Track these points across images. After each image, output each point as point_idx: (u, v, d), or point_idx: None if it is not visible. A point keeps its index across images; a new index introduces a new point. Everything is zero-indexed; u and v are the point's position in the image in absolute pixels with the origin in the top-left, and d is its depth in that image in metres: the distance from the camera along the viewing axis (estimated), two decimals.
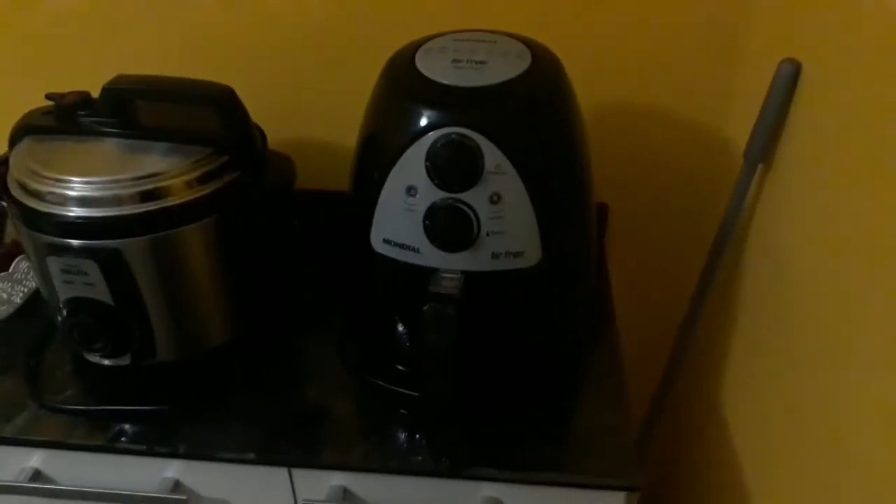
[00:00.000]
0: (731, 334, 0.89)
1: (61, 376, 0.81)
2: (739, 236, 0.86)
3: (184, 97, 0.73)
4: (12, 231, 0.95)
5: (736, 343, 0.88)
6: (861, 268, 0.61)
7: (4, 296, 0.88)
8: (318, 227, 0.98)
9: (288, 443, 0.73)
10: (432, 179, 0.65)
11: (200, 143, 0.73)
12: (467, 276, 0.66)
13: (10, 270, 0.88)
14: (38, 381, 0.80)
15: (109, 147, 0.74)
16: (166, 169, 0.71)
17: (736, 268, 0.87)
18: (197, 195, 0.72)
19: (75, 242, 0.70)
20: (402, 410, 0.76)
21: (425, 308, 0.64)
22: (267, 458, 0.72)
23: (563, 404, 0.77)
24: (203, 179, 0.73)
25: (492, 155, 0.63)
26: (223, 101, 0.73)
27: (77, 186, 0.70)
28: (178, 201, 0.71)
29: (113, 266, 0.70)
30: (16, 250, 0.93)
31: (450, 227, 0.65)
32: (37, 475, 0.79)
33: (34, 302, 0.92)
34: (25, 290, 0.91)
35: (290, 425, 0.75)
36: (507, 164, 0.64)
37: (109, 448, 0.74)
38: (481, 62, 0.69)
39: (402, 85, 0.69)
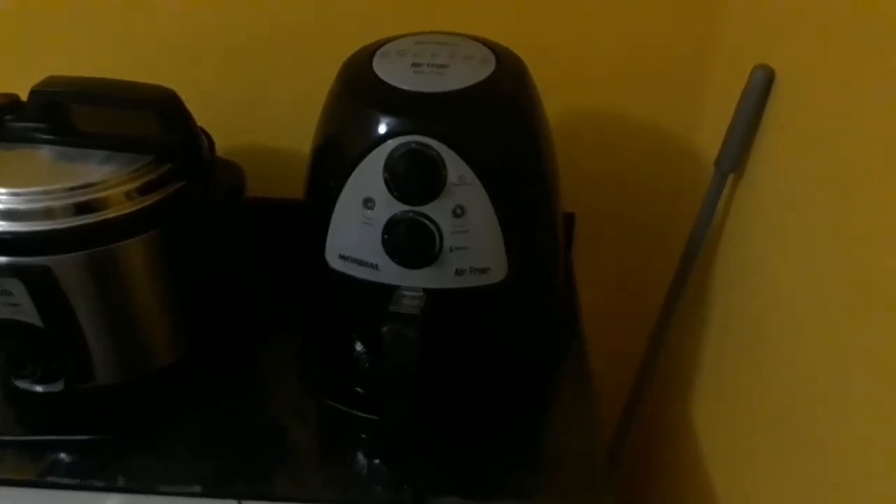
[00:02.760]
0: (702, 346, 0.87)
1: None
2: (710, 247, 0.83)
3: (121, 101, 0.68)
4: None
5: (706, 354, 0.86)
6: (836, 278, 0.59)
7: None
8: (274, 238, 0.93)
9: (239, 473, 0.68)
10: (391, 191, 0.60)
11: (140, 151, 0.68)
12: (429, 293, 0.62)
13: None
14: None
15: (40, 155, 0.68)
16: (103, 178, 0.66)
17: (706, 278, 0.85)
18: (137, 207, 0.66)
19: (2, 260, 0.64)
20: (362, 435, 0.71)
21: (385, 329, 0.60)
22: (215, 490, 0.67)
23: (531, 425, 0.73)
24: (144, 190, 0.67)
25: (454, 165, 0.60)
26: (164, 105, 0.68)
27: (2, 198, 0.64)
28: (115, 214, 0.66)
29: (41, 285, 0.64)
30: None
31: (410, 242, 0.61)
32: None
33: None
34: None
35: (243, 453, 0.70)
36: (470, 175, 0.60)
37: (39, 482, 0.68)
38: (443, 66, 0.65)
39: (359, 89, 0.65)
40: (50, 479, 0.68)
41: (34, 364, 0.67)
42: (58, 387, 0.70)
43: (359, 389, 0.74)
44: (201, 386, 0.77)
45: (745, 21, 0.79)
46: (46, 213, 0.64)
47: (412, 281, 0.63)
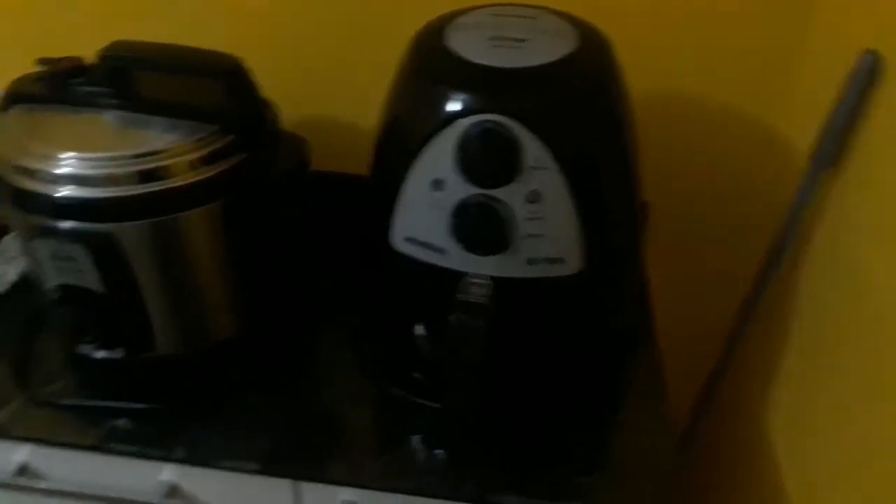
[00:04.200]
0: (783, 351, 0.81)
1: (52, 366, 0.75)
2: (800, 247, 0.77)
3: (186, 68, 0.66)
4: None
5: (788, 361, 0.80)
6: None
7: None
8: (335, 214, 0.91)
9: (295, 454, 0.67)
10: (463, 173, 0.57)
11: (204, 120, 0.66)
12: (498, 282, 0.59)
13: (1, 247, 0.82)
14: (27, 370, 0.74)
15: (105, 120, 0.67)
16: (167, 147, 0.64)
17: (794, 281, 0.79)
18: (201, 177, 0.65)
19: (64, 225, 0.63)
20: (420, 423, 0.69)
21: (451, 317, 0.57)
22: (272, 469, 0.66)
23: (596, 423, 0.70)
24: (207, 160, 0.65)
25: (532, 147, 0.56)
26: (229, 74, 0.65)
27: (68, 163, 0.63)
28: (179, 183, 0.64)
29: (104, 252, 0.64)
30: (6, 227, 0.87)
31: (481, 227, 0.58)
32: (23, 470, 0.73)
33: (29, 281, 0.86)
34: (17, 268, 0.85)
35: (299, 434, 0.69)
36: (549, 159, 0.56)
37: (99, 448, 0.68)
38: (521, 40, 0.61)
39: (431, 64, 0.61)
40: (109, 445, 0.68)
41: (95, 330, 0.67)
42: (118, 354, 0.70)
43: (417, 375, 0.72)
44: (258, 362, 0.76)
45: (848, 1, 0.72)
46: (111, 180, 0.63)
47: (481, 268, 0.60)
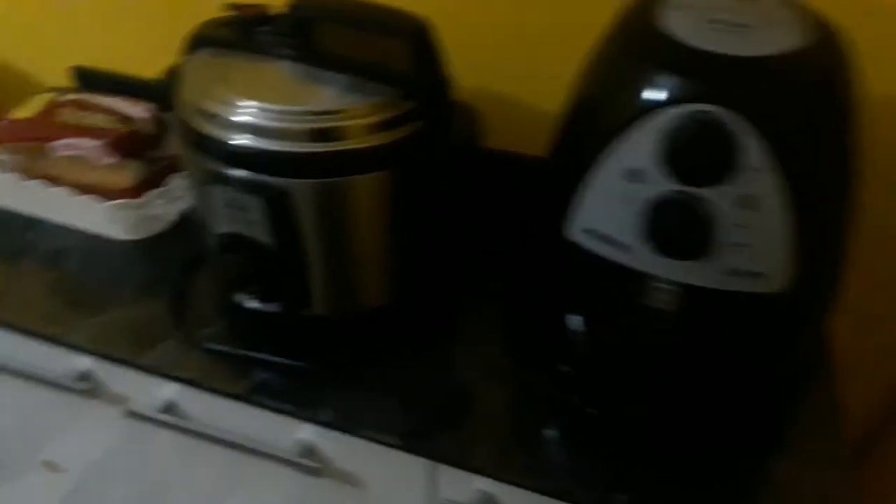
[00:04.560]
0: None
1: (206, 310, 0.77)
2: None
3: (375, 25, 0.63)
4: (173, 145, 0.91)
5: None
6: None
7: (159, 211, 0.84)
8: (499, 192, 0.87)
9: (436, 433, 0.65)
10: (666, 165, 0.52)
11: (388, 83, 0.64)
12: (688, 290, 0.54)
13: (169, 186, 0.84)
14: (183, 311, 0.76)
15: (285, 72, 0.66)
16: (347, 107, 0.62)
17: None
18: (377, 143, 0.63)
19: (243, 174, 0.63)
20: (568, 421, 0.66)
21: (632, 323, 0.53)
22: (413, 446, 0.65)
23: (765, 451, 0.64)
24: (386, 125, 0.63)
25: (752, 146, 0.50)
26: (418, 35, 0.62)
27: (249, 112, 0.62)
28: (355, 146, 0.63)
29: (278, 206, 0.63)
30: (176, 165, 0.89)
31: (679, 228, 0.53)
32: (169, 407, 0.76)
33: (187, 221, 0.88)
34: (180, 207, 0.87)
35: (441, 413, 0.67)
36: (769, 161, 0.50)
37: (245, 398, 0.69)
38: (742, 25, 0.55)
39: (639, 42, 0.56)
40: (255, 397, 0.69)
41: (258, 282, 0.67)
42: (274, 308, 0.70)
43: (565, 368, 0.68)
44: (407, 333, 0.75)
45: None
46: (287, 134, 0.62)
47: (669, 272, 0.55)
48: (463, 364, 0.72)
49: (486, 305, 0.78)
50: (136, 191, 0.84)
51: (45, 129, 0.84)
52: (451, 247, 0.82)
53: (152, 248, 0.84)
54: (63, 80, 1.04)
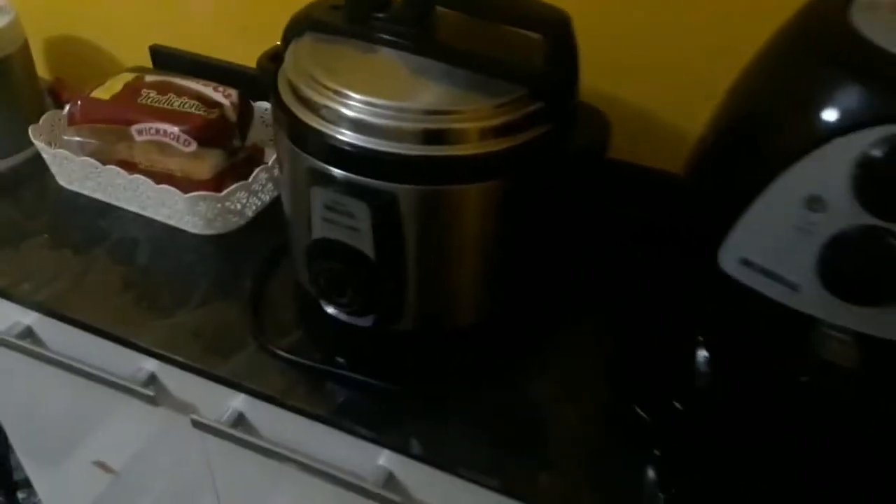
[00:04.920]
0: None
1: (287, 316, 0.70)
2: None
3: (513, 15, 0.57)
4: (255, 133, 0.86)
5: None
6: None
7: (238, 206, 0.78)
8: (617, 207, 0.80)
9: (537, 475, 0.58)
10: (860, 196, 0.44)
11: (517, 80, 0.57)
12: (867, 342, 0.46)
13: (250, 180, 0.78)
14: (260, 316, 0.70)
15: (399, 63, 0.59)
16: (470, 106, 0.56)
17: None
18: (497, 148, 0.56)
19: (349, 176, 0.56)
20: (700, 476, 0.58)
21: (802, 378, 0.45)
22: (514, 489, 0.58)
23: None
24: (507, 129, 0.56)
25: None
26: (559, 30, 0.56)
27: (354, 105, 0.56)
28: (474, 151, 0.56)
29: (386, 214, 0.57)
30: (258, 156, 0.84)
31: (868, 269, 0.45)
32: (239, 420, 0.70)
33: (265, 217, 0.82)
34: (259, 202, 0.81)
35: (541, 451, 0.60)
36: None
37: (330, 421, 0.62)
38: None
39: (831, 47, 0.48)
40: (340, 419, 0.62)
41: (354, 295, 0.61)
42: (365, 322, 0.64)
43: (679, 405, 0.61)
44: (499, 354, 0.68)
45: None
46: (397, 134, 0.55)
47: (843, 319, 0.47)
48: (561, 394, 0.65)
49: (589, 328, 0.71)
50: (215, 182, 0.78)
51: (124, 111, 0.78)
52: (558, 261, 0.75)
53: (229, 245, 0.78)
54: (142, 59, 1.00)
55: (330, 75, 0.58)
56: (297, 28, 0.63)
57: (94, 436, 0.89)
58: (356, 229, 0.58)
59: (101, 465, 0.91)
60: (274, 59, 0.65)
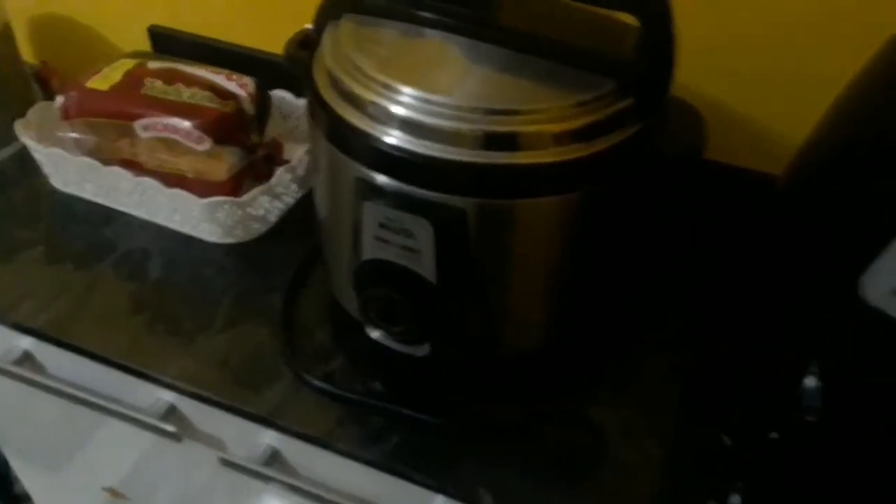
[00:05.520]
0: None
1: (324, 339, 0.62)
2: None
3: None
4: (272, 126, 0.76)
5: None
6: None
7: (261, 212, 0.69)
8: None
9: None
10: None
11: (604, 71, 0.48)
12: None
13: (274, 181, 0.69)
14: (294, 340, 0.61)
15: (461, 51, 0.50)
16: (549, 104, 0.47)
17: None
18: (585, 153, 0.47)
19: (410, 189, 0.47)
20: None
21: None
22: None
23: None
24: (591, 131, 0.47)
25: None
26: (660, 14, 0.46)
27: (404, 100, 0.47)
28: (552, 159, 0.47)
29: (453, 233, 0.48)
30: (277, 153, 0.74)
31: None
32: (274, 457, 0.62)
33: (289, 222, 0.73)
34: (282, 206, 0.72)
35: (624, 495, 0.53)
36: None
37: (385, 466, 0.54)
38: None
39: None
40: (395, 466, 0.54)
41: (410, 323, 0.52)
42: (420, 351, 0.56)
43: (775, 435, 0.53)
44: (569, 382, 0.60)
45: None
46: (468, 139, 0.46)
47: None
48: (633, 429, 0.57)
49: (662, 347, 0.63)
50: (232, 183, 0.69)
51: (126, 103, 0.68)
52: (625, 283, 0.66)
53: (251, 256, 0.69)
54: (139, 42, 0.89)
55: (379, 64, 0.48)
56: (334, 9, 0.53)
57: (103, 462, 0.80)
58: (415, 250, 0.49)
59: (111, 492, 0.83)
60: (304, 45, 0.56)
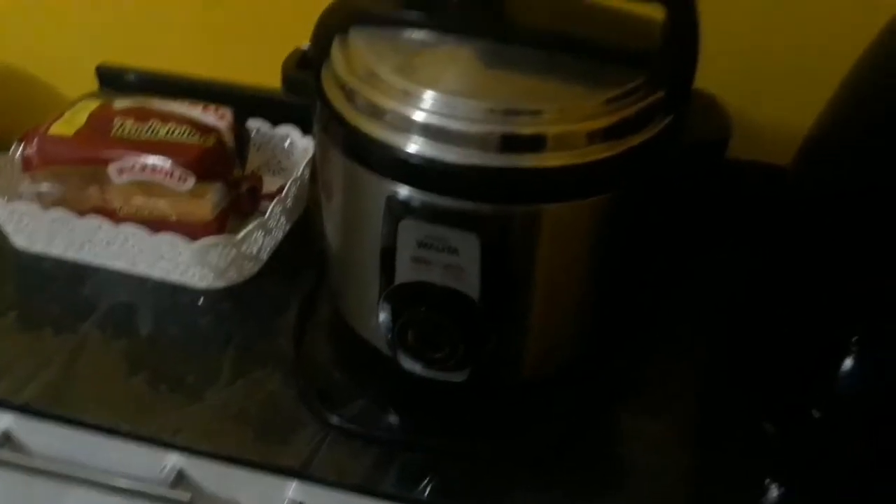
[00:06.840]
0: None
1: (344, 378, 0.58)
2: None
3: None
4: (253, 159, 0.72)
5: None
6: None
7: (254, 250, 0.64)
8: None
9: None
10: None
11: (634, 64, 0.46)
12: None
13: (266, 216, 0.64)
14: (310, 382, 0.56)
15: (480, 54, 0.47)
16: (578, 101, 0.45)
17: None
18: (613, 152, 0.45)
19: (450, 203, 0.44)
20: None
21: None
22: None
23: None
24: (622, 129, 0.45)
25: None
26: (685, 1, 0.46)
27: (426, 103, 0.44)
28: (586, 159, 0.45)
29: (500, 244, 0.45)
30: (258, 186, 0.70)
31: None
32: None
33: (278, 258, 0.68)
34: (274, 242, 0.67)
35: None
36: None
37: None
38: None
39: None
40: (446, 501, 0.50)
41: (452, 349, 0.49)
42: (458, 377, 0.52)
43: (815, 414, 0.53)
44: (606, 393, 0.58)
45: None
46: (511, 144, 0.43)
47: None
48: (670, 431, 0.55)
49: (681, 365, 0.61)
50: (219, 222, 0.64)
51: (97, 146, 0.63)
52: (654, 288, 0.64)
53: (246, 298, 0.64)
54: (85, 85, 0.83)
55: (406, 75, 0.45)
56: (338, 23, 0.50)
57: None
58: (458, 267, 0.46)
59: None
60: (302, 64, 0.52)
